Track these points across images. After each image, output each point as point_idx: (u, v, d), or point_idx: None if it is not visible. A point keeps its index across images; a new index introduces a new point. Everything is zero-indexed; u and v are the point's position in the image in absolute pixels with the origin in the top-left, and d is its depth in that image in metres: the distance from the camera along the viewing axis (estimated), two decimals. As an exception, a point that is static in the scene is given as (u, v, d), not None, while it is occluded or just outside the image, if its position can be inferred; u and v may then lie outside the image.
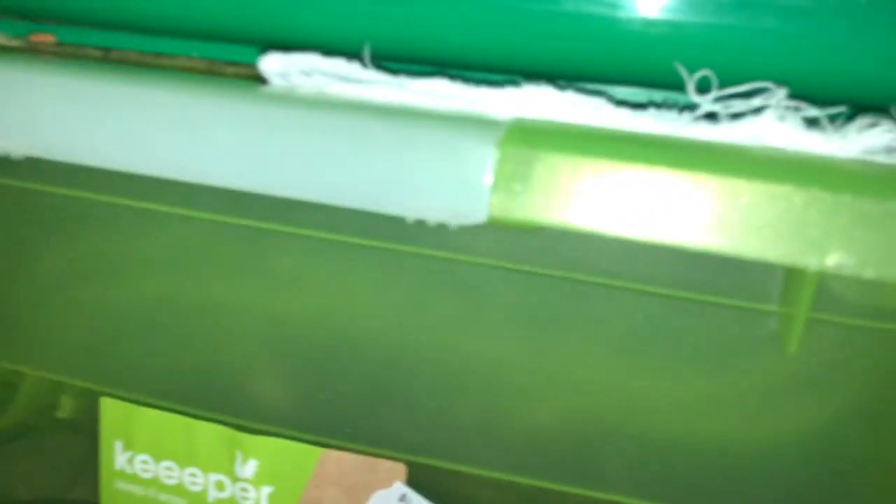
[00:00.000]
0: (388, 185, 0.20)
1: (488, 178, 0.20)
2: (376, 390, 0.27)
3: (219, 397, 0.28)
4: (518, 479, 0.27)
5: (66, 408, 0.35)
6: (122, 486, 0.29)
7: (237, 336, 0.28)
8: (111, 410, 0.28)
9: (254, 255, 0.27)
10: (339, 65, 0.23)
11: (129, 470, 0.29)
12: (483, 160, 0.20)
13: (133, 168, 0.23)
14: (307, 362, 0.27)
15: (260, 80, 0.25)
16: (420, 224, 0.21)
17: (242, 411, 0.28)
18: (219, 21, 0.28)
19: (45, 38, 0.28)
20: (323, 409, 0.27)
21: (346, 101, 0.22)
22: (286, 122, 0.21)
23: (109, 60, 0.28)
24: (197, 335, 0.28)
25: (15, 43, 0.28)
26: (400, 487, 0.27)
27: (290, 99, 0.22)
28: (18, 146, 0.23)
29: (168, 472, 0.28)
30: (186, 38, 0.29)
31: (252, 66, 0.29)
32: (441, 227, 0.21)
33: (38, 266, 0.31)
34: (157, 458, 0.28)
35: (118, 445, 0.28)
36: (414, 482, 0.27)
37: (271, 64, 0.24)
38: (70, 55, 0.28)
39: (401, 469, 0.26)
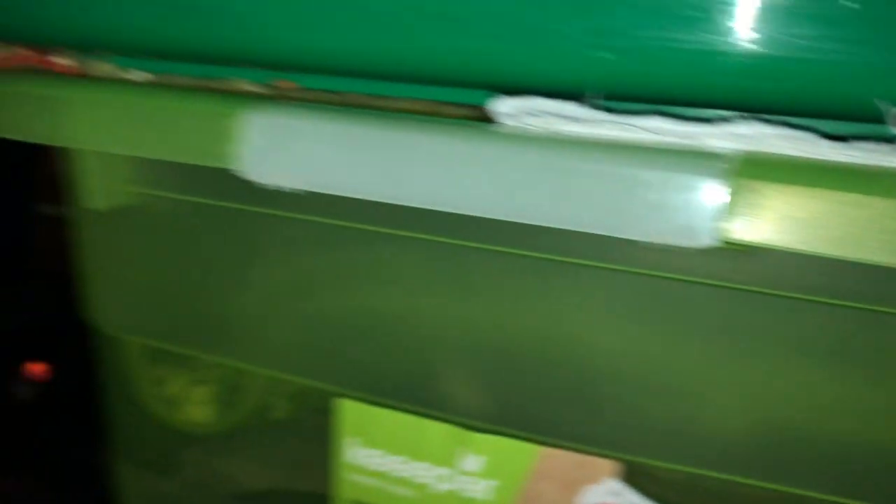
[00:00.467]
0: (627, 212, 0.24)
1: (720, 206, 0.23)
2: (589, 394, 0.30)
3: (438, 399, 0.32)
4: (713, 474, 0.30)
5: (282, 408, 0.40)
6: (354, 477, 0.33)
7: (458, 344, 0.31)
8: (346, 410, 0.32)
9: (477, 274, 0.30)
10: (564, 106, 0.27)
11: (360, 463, 0.32)
12: (715, 190, 0.23)
13: (387, 199, 0.27)
14: (527, 372, 0.30)
15: (486, 120, 0.29)
16: (645, 246, 0.24)
17: (464, 412, 0.31)
18: (439, 66, 0.31)
19: (288, 84, 0.33)
20: (540, 410, 0.30)
21: (581, 139, 0.25)
22: (533, 157, 0.25)
23: (346, 103, 0.32)
24: (425, 343, 0.31)
25: (263, 89, 0.33)
26: (609, 483, 0.30)
27: (535, 138, 0.25)
28: (292, 181, 0.28)
29: (397, 465, 0.32)
30: (406, 82, 0.33)
31: (470, 106, 0.33)
32: (664, 250, 0.24)
33: (271, 279, 0.35)
34: (388, 452, 0.32)
35: (352, 441, 0.32)
36: (623, 478, 0.30)
37: (503, 106, 0.27)
38: (314, 100, 0.32)
39: (609, 466, 0.29)
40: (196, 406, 0.39)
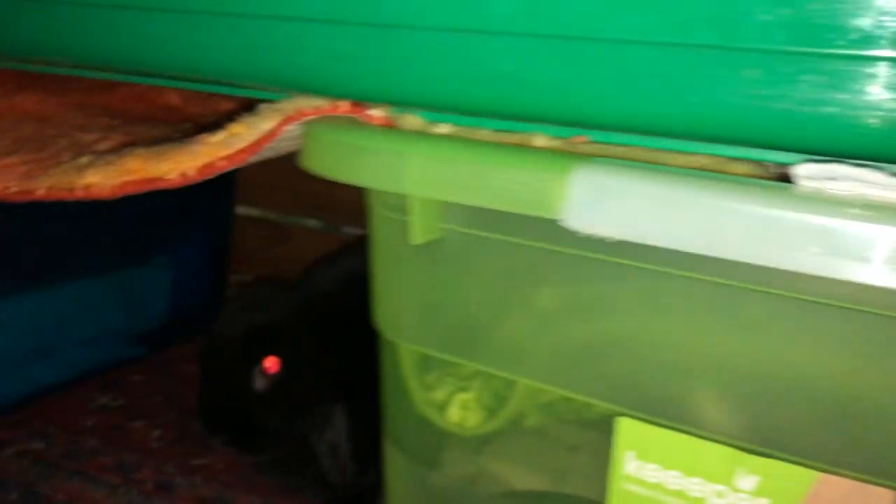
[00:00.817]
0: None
1: None
2: (861, 425, 0.33)
3: (710, 422, 0.36)
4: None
5: (534, 417, 0.44)
6: (629, 486, 0.37)
7: (731, 373, 0.35)
8: (626, 428, 0.37)
9: (751, 312, 0.34)
10: (867, 173, 0.30)
11: (636, 475, 0.37)
12: None
13: (694, 249, 0.31)
14: (796, 402, 0.33)
15: (784, 179, 0.32)
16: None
17: (737, 435, 0.35)
18: (724, 128, 0.35)
19: (582, 139, 0.37)
20: (815, 437, 0.33)
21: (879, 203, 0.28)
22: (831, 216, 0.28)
23: (631, 158, 0.36)
24: (697, 370, 0.35)
25: (559, 143, 0.38)
26: (884, 511, 0.32)
27: (849, 201, 0.28)
28: (609, 231, 0.32)
29: (673, 479, 0.36)
30: (688, 139, 0.37)
31: (753, 162, 0.36)
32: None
33: (549, 303, 0.40)
34: (665, 467, 0.36)
35: (630, 455, 0.37)
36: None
37: (807, 170, 0.31)
38: (604, 154, 0.37)
39: (889, 496, 0.32)
40: (460, 410, 0.45)
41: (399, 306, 0.42)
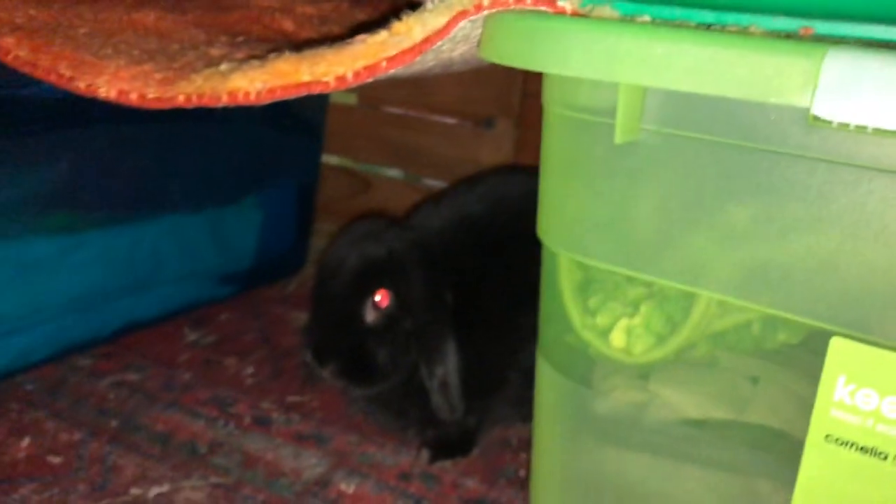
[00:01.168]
0: None
1: None
2: None
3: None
4: None
5: (703, 348, 0.42)
6: (838, 413, 0.34)
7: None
8: (839, 348, 0.34)
9: None
10: None
11: (847, 401, 0.34)
12: None
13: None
14: None
15: None
16: None
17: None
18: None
19: (808, 30, 0.34)
20: None
21: None
22: None
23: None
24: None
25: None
26: None
27: None
28: (858, 119, 0.29)
29: (890, 405, 0.33)
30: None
31: None
32: None
33: (751, 214, 0.37)
34: (882, 393, 0.33)
35: (841, 379, 0.34)
36: None
37: None
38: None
39: None
40: (625, 336, 0.42)
41: (575, 216, 0.40)
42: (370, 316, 0.63)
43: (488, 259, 0.66)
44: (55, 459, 0.65)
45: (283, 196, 0.98)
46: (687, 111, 0.34)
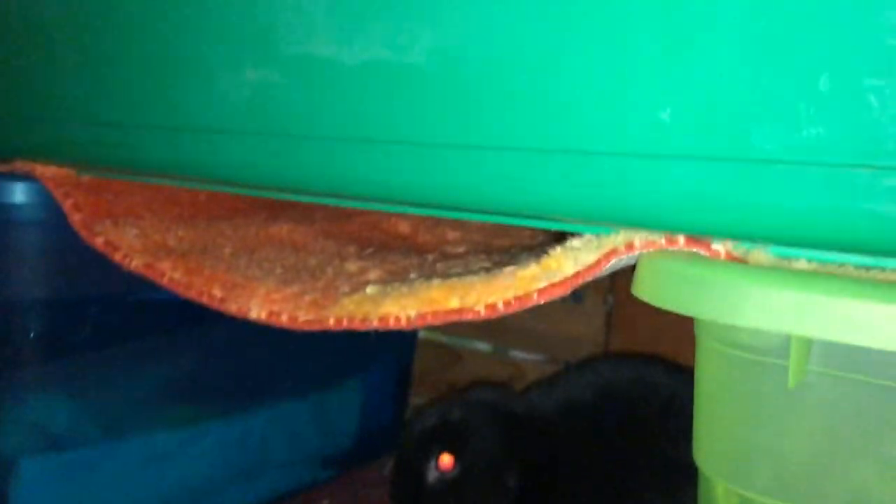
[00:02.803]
0: None
1: None
2: None
3: None
4: None
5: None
6: None
7: None
8: None
9: None
10: None
11: None
12: None
13: None
14: None
15: None
16: None
17: None
18: None
19: None
20: None
21: None
22: None
23: None
24: None
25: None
26: None
27: None
28: None
29: None
30: None
31: None
32: None
33: None
34: None
35: None
36: None
37: None
38: None
39: None
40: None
41: (735, 447, 0.40)
42: (431, 477, 0.63)
43: (578, 456, 0.66)
44: None
45: (383, 375, 1.00)
46: (855, 355, 0.34)
